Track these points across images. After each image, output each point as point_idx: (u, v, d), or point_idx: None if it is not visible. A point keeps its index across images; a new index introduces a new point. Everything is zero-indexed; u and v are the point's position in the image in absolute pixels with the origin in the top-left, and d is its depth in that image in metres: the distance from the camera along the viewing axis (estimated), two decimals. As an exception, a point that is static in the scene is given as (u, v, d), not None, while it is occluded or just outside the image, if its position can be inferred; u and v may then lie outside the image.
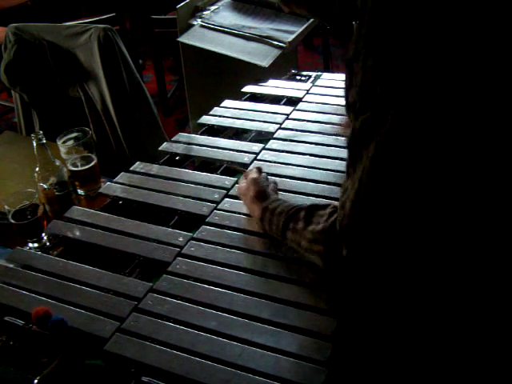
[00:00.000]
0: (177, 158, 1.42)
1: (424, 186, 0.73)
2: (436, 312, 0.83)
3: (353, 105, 0.77)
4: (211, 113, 1.59)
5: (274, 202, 1.06)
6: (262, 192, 1.11)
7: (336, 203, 0.87)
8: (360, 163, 0.76)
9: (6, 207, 1.30)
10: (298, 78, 1.80)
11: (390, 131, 0.71)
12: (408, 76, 0.70)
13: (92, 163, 1.51)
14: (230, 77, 2.39)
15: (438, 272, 0.79)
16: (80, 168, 1.51)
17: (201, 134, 1.51)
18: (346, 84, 0.81)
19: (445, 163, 0.71)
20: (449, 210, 0.74)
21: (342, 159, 1.31)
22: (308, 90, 1.67)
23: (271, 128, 1.48)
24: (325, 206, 0.94)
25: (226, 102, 1.64)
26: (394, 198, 0.74)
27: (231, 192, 1.25)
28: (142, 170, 1.35)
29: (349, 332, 0.93)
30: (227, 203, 1.21)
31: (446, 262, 0.78)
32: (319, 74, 1.79)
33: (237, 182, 1.27)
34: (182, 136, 1.49)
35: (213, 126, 1.54)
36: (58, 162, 1.44)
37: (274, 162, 1.34)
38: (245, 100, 1.67)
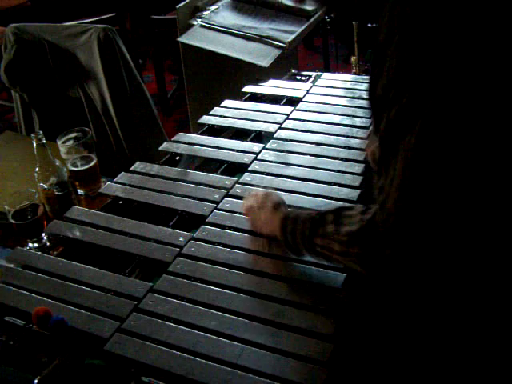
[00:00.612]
0: (177, 158, 1.42)
1: (467, 179, 0.71)
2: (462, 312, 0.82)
3: (382, 97, 0.74)
4: (211, 113, 1.59)
5: (292, 211, 1.02)
6: (281, 202, 1.07)
7: (361, 205, 0.86)
8: (396, 158, 0.73)
9: (6, 207, 1.30)
10: (298, 78, 1.80)
11: (432, 120, 0.69)
12: (451, 61, 0.67)
13: (92, 163, 1.51)
14: (230, 77, 2.40)
15: (481, 268, 0.77)
16: (80, 168, 1.51)
17: (201, 134, 1.51)
18: (373, 75, 0.77)
19: (487, 153, 0.70)
20: (491, 201, 0.72)
21: (342, 159, 1.31)
22: (308, 90, 1.67)
23: (271, 128, 1.48)
24: (351, 207, 0.90)
25: (226, 102, 1.64)
26: (438, 192, 0.72)
27: (231, 192, 1.25)
28: (142, 170, 1.35)
29: (349, 332, 0.92)
30: (227, 203, 1.21)
31: (488, 258, 0.76)
32: (319, 73, 1.79)
33: (237, 182, 1.27)
34: (182, 136, 1.49)
35: (213, 126, 1.54)
36: (57, 162, 1.44)
37: (274, 162, 1.34)
38: (245, 100, 1.67)
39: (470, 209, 0.73)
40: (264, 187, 1.21)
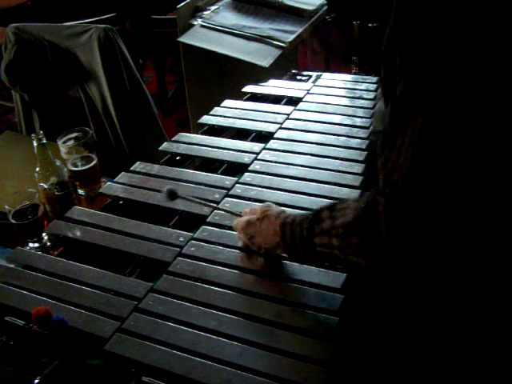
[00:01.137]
0: (177, 158, 1.42)
1: (474, 161, 0.70)
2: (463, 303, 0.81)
3: (401, 65, 0.72)
4: (212, 113, 1.59)
5: (289, 215, 0.99)
6: (282, 211, 1.02)
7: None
8: (406, 131, 0.71)
9: (6, 207, 1.30)
10: (299, 77, 1.80)
11: (444, 100, 0.68)
12: (465, 44, 0.66)
13: (92, 163, 1.51)
14: (230, 77, 2.39)
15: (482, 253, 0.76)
16: (80, 168, 1.51)
17: (201, 134, 1.51)
18: (389, 33, 0.76)
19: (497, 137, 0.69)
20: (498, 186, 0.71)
21: (342, 159, 1.31)
22: (308, 90, 1.67)
23: (272, 128, 1.48)
24: (345, 200, 0.88)
25: (227, 102, 1.64)
26: (449, 166, 0.70)
27: (231, 192, 1.24)
28: (142, 170, 1.35)
29: (349, 332, 0.92)
30: (227, 203, 1.21)
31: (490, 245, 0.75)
32: (319, 73, 1.79)
33: (237, 182, 1.27)
34: (182, 136, 1.49)
35: (213, 125, 1.54)
36: (58, 162, 1.44)
37: (275, 162, 1.34)
38: (245, 100, 1.67)
39: (480, 189, 0.71)
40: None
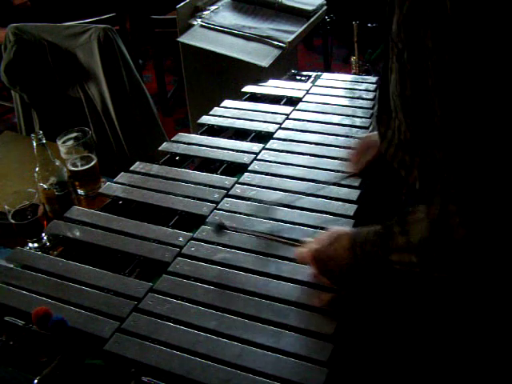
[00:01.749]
0: (177, 158, 1.42)
1: None
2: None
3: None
4: (211, 113, 1.59)
5: (357, 233, 0.90)
6: (353, 231, 0.94)
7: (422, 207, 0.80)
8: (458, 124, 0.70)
9: (6, 207, 1.30)
10: (298, 78, 1.80)
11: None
12: None
13: (92, 163, 1.51)
14: (230, 77, 2.40)
15: None
16: (80, 168, 1.51)
17: (201, 134, 1.51)
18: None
19: None
20: None
21: (342, 159, 1.31)
22: (308, 90, 1.67)
23: (271, 128, 1.48)
24: (414, 211, 0.81)
25: (226, 102, 1.64)
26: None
27: (231, 192, 1.25)
28: (142, 170, 1.35)
29: (349, 332, 0.92)
30: (227, 203, 1.21)
31: None
32: (319, 73, 1.79)
33: (237, 182, 1.27)
34: (182, 136, 1.49)
35: (213, 126, 1.54)
36: (57, 162, 1.44)
37: (274, 162, 1.34)
38: (245, 100, 1.67)
39: None
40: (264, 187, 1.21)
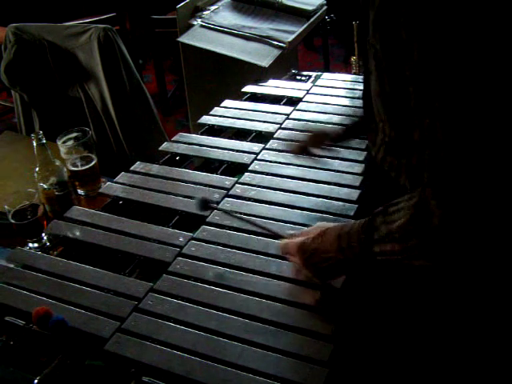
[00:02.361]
0: (177, 158, 1.42)
1: None
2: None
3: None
4: (211, 113, 1.59)
5: (343, 226, 0.91)
6: (340, 225, 0.94)
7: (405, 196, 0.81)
8: (432, 106, 0.70)
9: (6, 207, 1.30)
10: (298, 77, 1.80)
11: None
12: None
13: (92, 163, 1.51)
14: (230, 77, 2.39)
15: None
16: (80, 168, 1.51)
17: (201, 134, 1.51)
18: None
19: None
20: None
21: (342, 159, 1.31)
22: (308, 90, 1.67)
23: (271, 128, 1.48)
24: (397, 202, 0.82)
25: (226, 102, 1.64)
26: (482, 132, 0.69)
27: (231, 192, 1.25)
28: (142, 170, 1.35)
29: (349, 332, 0.92)
30: (227, 203, 1.21)
31: None
32: (319, 73, 1.79)
33: (237, 182, 1.27)
34: (182, 136, 1.49)
35: (213, 126, 1.54)
36: (57, 162, 1.44)
37: (275, 162, 1.34)
38: (245, 100, 1.67)
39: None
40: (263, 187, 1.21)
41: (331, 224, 0.96)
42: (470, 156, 0.70)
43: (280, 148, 1.39)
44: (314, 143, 1.21)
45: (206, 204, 1.13)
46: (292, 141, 1.41)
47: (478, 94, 0.68)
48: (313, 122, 1.49)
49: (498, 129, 0.69)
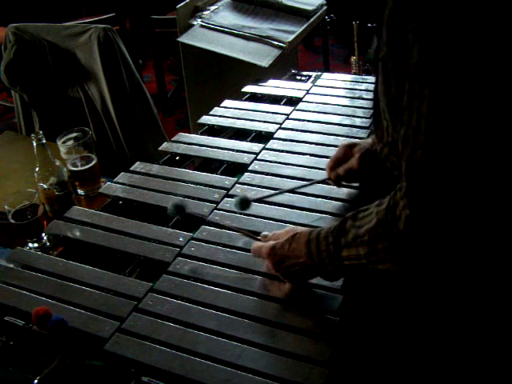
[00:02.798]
0: (177, 158, 1.42)
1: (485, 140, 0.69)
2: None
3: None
4: (211, 113, 1.58)
5: (313, 231, 0.92)
6: (310, 230, 0.94)
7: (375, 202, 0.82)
8: (421, 106, 0.70)
9: (6, 207, 1.30)
10: (298, 78, 1.80)
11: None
12: None
13: (92, 163, 1.51)
14: (230, 77, 2.40)
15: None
16: (80, 168, 1.51)
17: (201, 134, 1.51)
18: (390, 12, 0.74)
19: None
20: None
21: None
22: (308, 90, 1.67)
23: (271, 128, 1.48)
24: (367, 208, 0.85)
25: (226, 102, 1.64)
26: (461, 144, 0.69)
27: (231, 192, 1.25)
28: (142, 170, 1.35)
29: (349, 333, 0.92)
30: (227, 203, 1.21)
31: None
32: (319, 73, 1.79)
33: (237, 182, 1.27)
34: (182, 136, 1.49)
35: (213, 126, 1.54)
36: (57, 162, 1.44)
37: (274, 162, 1.34)
38: (245, 100, 1.67)
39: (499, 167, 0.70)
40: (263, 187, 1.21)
41: (301, 228, 0.96)
42: (447, 162, 0.70)
43: (280, 148, 1.39)
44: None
45: (180, 209, 1.12)
46: (292, 141, 1.41)
47: (471, 103, 0.68)
48: (313, 122, 1.49)
49: (482, 140, 0.69)
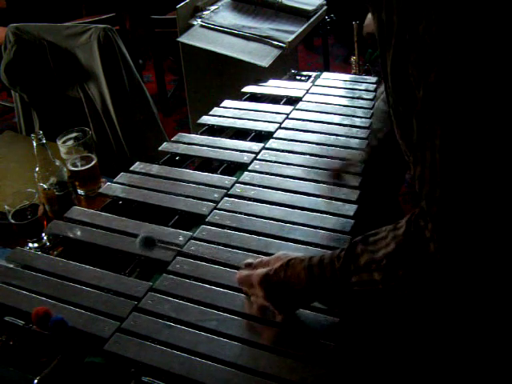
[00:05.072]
0: (177, 158, 1.42)
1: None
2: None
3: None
4: (211, 113, 1.59)
5: (313, 257, 0.88)
6: (305, 256, 0.90)
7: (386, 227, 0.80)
8: (434, 142, 0.69)
9: (6, 207, 1.30)
10: (298, 77, 1.80)
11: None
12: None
13: (92, 163, 1.51)
14: (230, 77, 2.40)
15: None
16: (80, 168, 1.51)
17: (201, 134, 1.51)
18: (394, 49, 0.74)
19: None
20: None
21: (341, 159, 1.31)
22: (308, 90, 1.67)
23: (271, 128, 1.48)
24: (377, 232, 0.82)
25: (226, 102, 1.64)
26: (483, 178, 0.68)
27: (231, 191, 1.25)
28: (142, 170, 1.35)
29: (349, 333, 0.92)
30: (227, 203, 1.21)
31: None
32: (319, 73, 1.79)
33: (237, 182, 1.27)
34: (182, 136, 1.49)
35: (213, 125, 1.54)
36: (57, 162, 1.44)
37: (274, 162, 1.34)
38: (245, 100, 1.67)
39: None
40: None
41: (293, 254, 0.92)
42: (468, 196, 0.69)
43: (280, 148, 1.39)
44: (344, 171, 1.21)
45: (150, 242, 1.06)
46: (292, 140, 1.41)
47: (482, 136, 0.67)
48: (313, 121, 1.49)
49: (500, 168, 0.68)
